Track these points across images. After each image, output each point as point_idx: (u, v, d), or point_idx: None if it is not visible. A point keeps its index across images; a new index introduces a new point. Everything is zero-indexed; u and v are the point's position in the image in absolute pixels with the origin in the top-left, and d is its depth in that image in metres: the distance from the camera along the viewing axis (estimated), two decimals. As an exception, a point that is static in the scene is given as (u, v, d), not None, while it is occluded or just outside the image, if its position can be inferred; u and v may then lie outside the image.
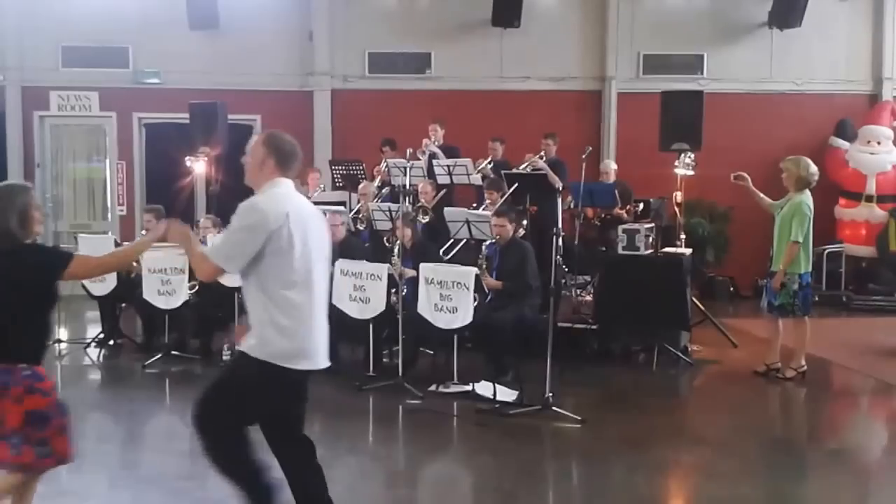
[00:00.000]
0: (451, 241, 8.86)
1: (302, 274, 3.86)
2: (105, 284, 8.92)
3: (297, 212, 3.88)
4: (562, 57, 13.18)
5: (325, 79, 12.94)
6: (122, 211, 13.00)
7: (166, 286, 8.45)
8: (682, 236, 9.52)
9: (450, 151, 10.80)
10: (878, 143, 12.96)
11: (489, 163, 10.52)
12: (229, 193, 11.42)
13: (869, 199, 12.90)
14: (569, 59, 13.22)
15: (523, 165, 10.20)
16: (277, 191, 3.91)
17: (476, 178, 10.26)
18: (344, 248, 8.18)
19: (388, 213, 8.98)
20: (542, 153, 10.43)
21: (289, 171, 3.99)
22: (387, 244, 8.70)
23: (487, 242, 8.00)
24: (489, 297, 7.75)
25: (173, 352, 8.59)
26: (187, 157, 10.83)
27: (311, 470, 4.14)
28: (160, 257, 8.44)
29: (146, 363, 8.37)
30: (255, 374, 3.83)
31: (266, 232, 3.76)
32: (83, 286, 9.09)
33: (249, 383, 3.87)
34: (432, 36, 13.04)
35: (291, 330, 3.83)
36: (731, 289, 13.00)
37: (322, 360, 3.98)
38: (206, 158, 10.82)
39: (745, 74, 13.23)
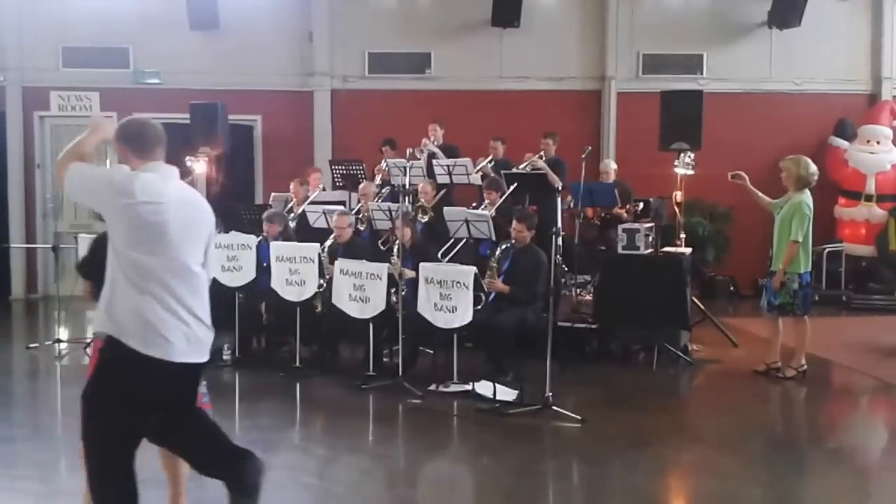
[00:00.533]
0: (452, 240, 8.86)
1: (161, 262, 3.59)
2: (104, 284, 8.91)
3: (164, 196, 3.61)
4: (561, 57, 13.18)
5: (325, 79, 12.95)
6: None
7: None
8: (682, 236, 9.52)
9: (449, 151, 10.82)
10: (878, 142, 12.97)
11: (490, 161, 10.53)
12: (229, 194, 11.50)
13: (868, 198, 12.91)
14: (568, 59, 13.23)
15: (523, 165, 10.20)
16: (144, 174, 3.61)
17: (476, 178, 10.27)
18: (349, 249, 8.18)
19: (387, 213, 9.00)
20: (542, 153, 10.44)
21: (149, 153, 3.68)
22: (381, 247, 8.73)
23: (503, 246, 7.95)
24: (492, 297, 7.73)
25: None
26: (188, 158, 10.83)
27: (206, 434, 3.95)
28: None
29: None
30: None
31: (110, 194, 3.54)
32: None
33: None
34: (432, 36, 13.06)
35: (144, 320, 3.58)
36: (731, 288, 13.02)
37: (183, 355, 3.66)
38: (206, 159, 10.83)
39: (744, 74, 13.23)
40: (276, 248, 8.21)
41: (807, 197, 7.84)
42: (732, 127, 12.50)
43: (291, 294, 8.03)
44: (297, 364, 8.13)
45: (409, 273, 7.69)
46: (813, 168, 7.93)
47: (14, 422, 6.95)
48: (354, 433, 6.50)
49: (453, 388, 7.36)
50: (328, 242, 8.38)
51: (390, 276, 7.55)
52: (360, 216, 9.55)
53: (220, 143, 11.03)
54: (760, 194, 8.28)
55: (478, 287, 7.27)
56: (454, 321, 7.25)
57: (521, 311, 7.64)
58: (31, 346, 9.42)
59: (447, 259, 8.40)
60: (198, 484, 5.11)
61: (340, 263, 7.75)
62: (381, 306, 7.52)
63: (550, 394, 6.64)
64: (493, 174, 10.14)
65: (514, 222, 8.05)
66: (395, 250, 7.77)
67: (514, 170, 10.05)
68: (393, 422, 6.92)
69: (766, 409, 7.61)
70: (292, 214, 9.96)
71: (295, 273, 8.00)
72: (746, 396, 7.71)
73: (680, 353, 8.55)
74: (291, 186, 10.44)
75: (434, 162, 10.42)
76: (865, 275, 12.82)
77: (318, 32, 12.91)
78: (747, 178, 8.28)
